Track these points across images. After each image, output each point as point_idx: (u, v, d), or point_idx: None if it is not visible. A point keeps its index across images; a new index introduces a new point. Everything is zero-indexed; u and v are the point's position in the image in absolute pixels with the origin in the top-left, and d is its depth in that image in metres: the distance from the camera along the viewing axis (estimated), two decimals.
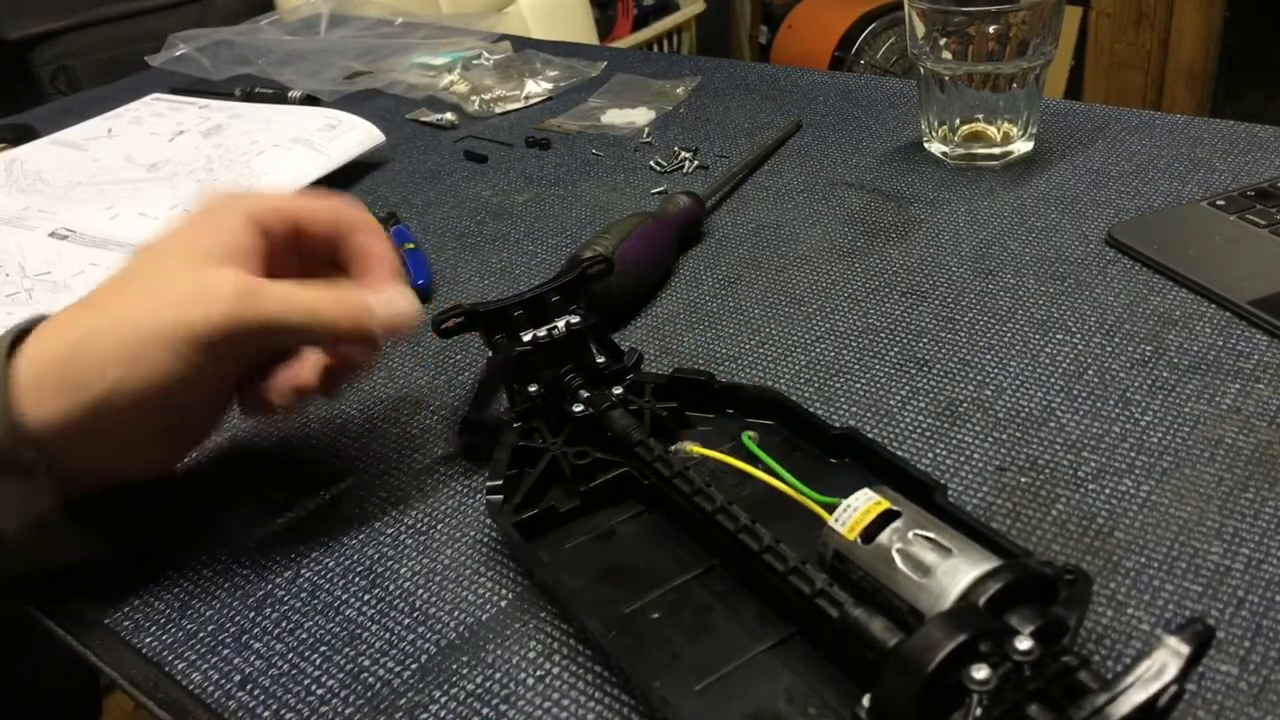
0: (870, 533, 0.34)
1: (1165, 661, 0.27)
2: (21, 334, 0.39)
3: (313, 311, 0.40)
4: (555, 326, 0.48)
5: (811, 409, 0.45)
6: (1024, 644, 0.29)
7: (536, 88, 0.93)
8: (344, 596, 0.41)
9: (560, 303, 0.49)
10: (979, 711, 0.28)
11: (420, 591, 0.41)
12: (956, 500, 0.41)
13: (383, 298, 0.42)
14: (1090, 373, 0.49)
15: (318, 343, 0.43)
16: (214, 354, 0.38)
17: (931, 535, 0.33)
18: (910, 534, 0.34)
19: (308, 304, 0.40)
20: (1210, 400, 0.46)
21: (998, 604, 0.31)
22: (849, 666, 0.34)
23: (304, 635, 0.40)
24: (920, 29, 0.67)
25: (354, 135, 0.80)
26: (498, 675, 0.37)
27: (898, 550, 0.33)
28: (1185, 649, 0.27)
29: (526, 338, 0.47)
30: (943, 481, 0.42)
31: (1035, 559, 0.34)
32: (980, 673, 0.28)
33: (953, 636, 0.29)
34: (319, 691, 0.37)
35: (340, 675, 0.38)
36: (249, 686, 0.38)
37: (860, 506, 0.35)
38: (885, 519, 0.34)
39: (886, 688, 0.29)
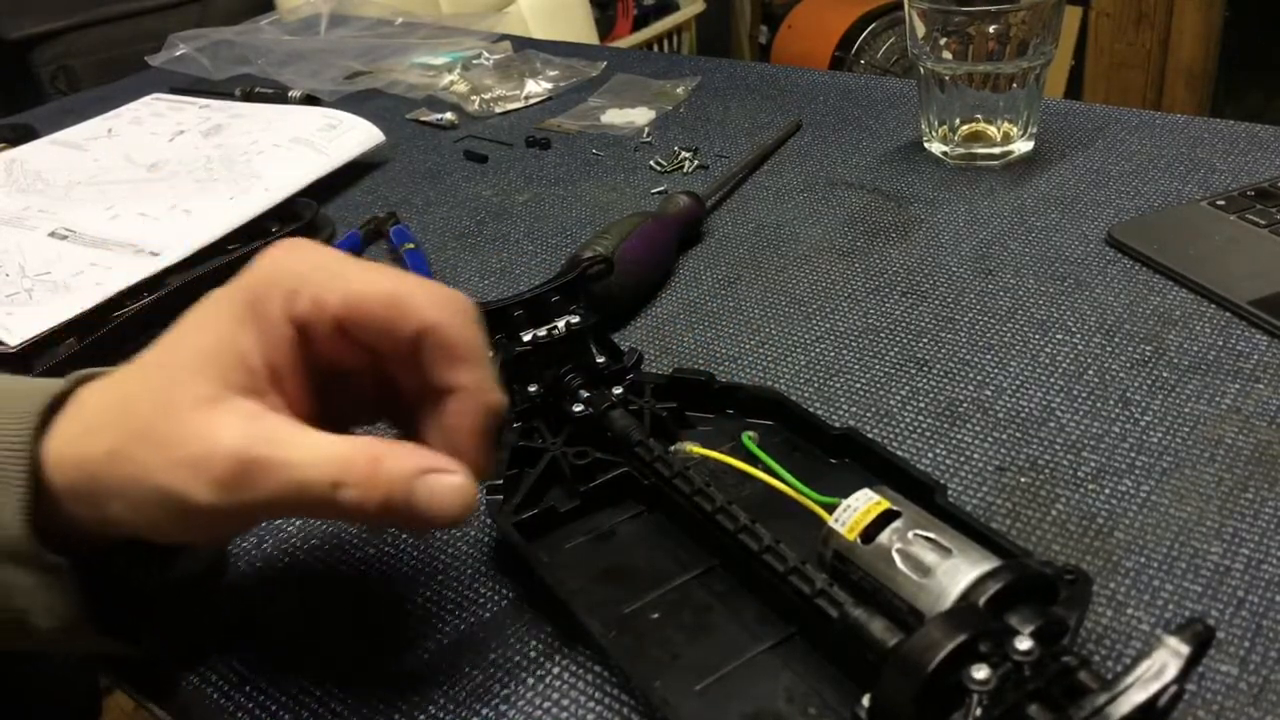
0: (870, 533, 0.34)
1: (1165, 661, 0.27)
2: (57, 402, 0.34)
3: (330, 494, 0.31)
4: (555, 326, 0.48)
5: (811, 409, 0.45)
6: (1024, 644, 0.29)
7: (536, 88, 0.93)
8: (344, 596, 0.41)
9: (560, 303, 0.49)
10: (979, 711, 0.28)
11: (420, 591, 0.41)
12: (956, 500, 0.41)
13: (434, 486, 0.32)
14: (1090, 373, 0.49)
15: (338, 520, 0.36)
16: (212, 522, 0.32)
17: (931, 535, 0.33)
18: (910, 534, 0.34)
19: (328, 477, 0.31)
20: (1210, 400, 0.46)
21: (998, 604, 0.31)
22: (849, 666, 0.34)
23: (303, 635, 0.40)
24: (920, 29, 0.67)
25: (354, 135, 0.80)
26: (498, 675, 0.37)
27: (898, 550, 0.33)
28: (1185, 649, 0.27)
29: (526, 338, 0.47)
30: (943, 481, 0.42)
31: (1035, 559, 0.34)
32: (980, 673, 0.28)
33: (953, 636, 0.29)
34: (317, 693, 0.37)
35: (340, 675, 0.38)
36: (248, 687, 0.38)
37: (860, 506, 0.35)
38: (885, 519, 0.34)
39: (886, 688, 0.29)
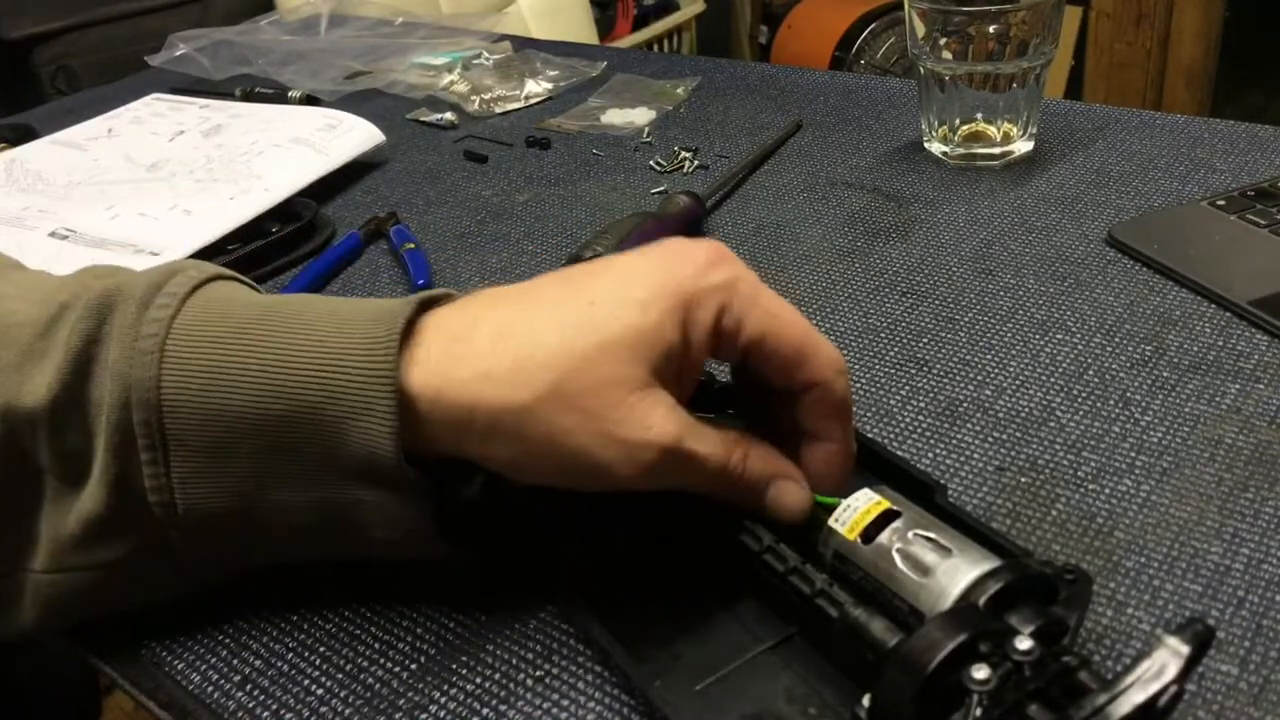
0: (870, 533, 0.34)
1: (1165, 661, 0.27)
2: (421, 309, 0.36)
3: (710, 483, 0.36)
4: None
5: None
6: (1024, 644, 0.29)
7: (536, 88, 0.93)
8: (343, 596, 0.41)
9: None
10: (979, 712, 0.28)
11: (420, 590, 0.41)
12: (956, 500, 0.41)
13: (782, 491, 0.37)
14: (1090, 373, 0.49)
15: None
16: (608, 486, 0.35)
17: (931, 535, 0.33)
18: (910, 534, 0.34)
19: (721, 469, 0.35)
20: (1210, 400, 0.46)
21: (998, 604, 0.31)
22: (849, 666, 0.34)
23: (303, 635, 0.40)
24: (920, 29, 0.67)
25: (354, 135, 0.80)
26: (497, 675, 0.37)
27: (898, 550, 0.33)
28: (1185, 649, 0.27)
29: None
30: (943, 481, 0.42)
31: (1035, 559, 0.34)
32: (980, 673, 0.28)
33: (953, 636, 0.29)
34: (318, 692, 0.37)
35: (340, 675, 0.38)
36: (249, 687, 0.38)
37: (860, 506, 0.35)
38: (885, 519, 0.34)
39: (886, 688, 0.29)
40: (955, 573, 0.32)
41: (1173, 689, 0.27)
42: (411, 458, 0.34)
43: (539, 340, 0.34)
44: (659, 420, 0.34)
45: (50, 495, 0.36)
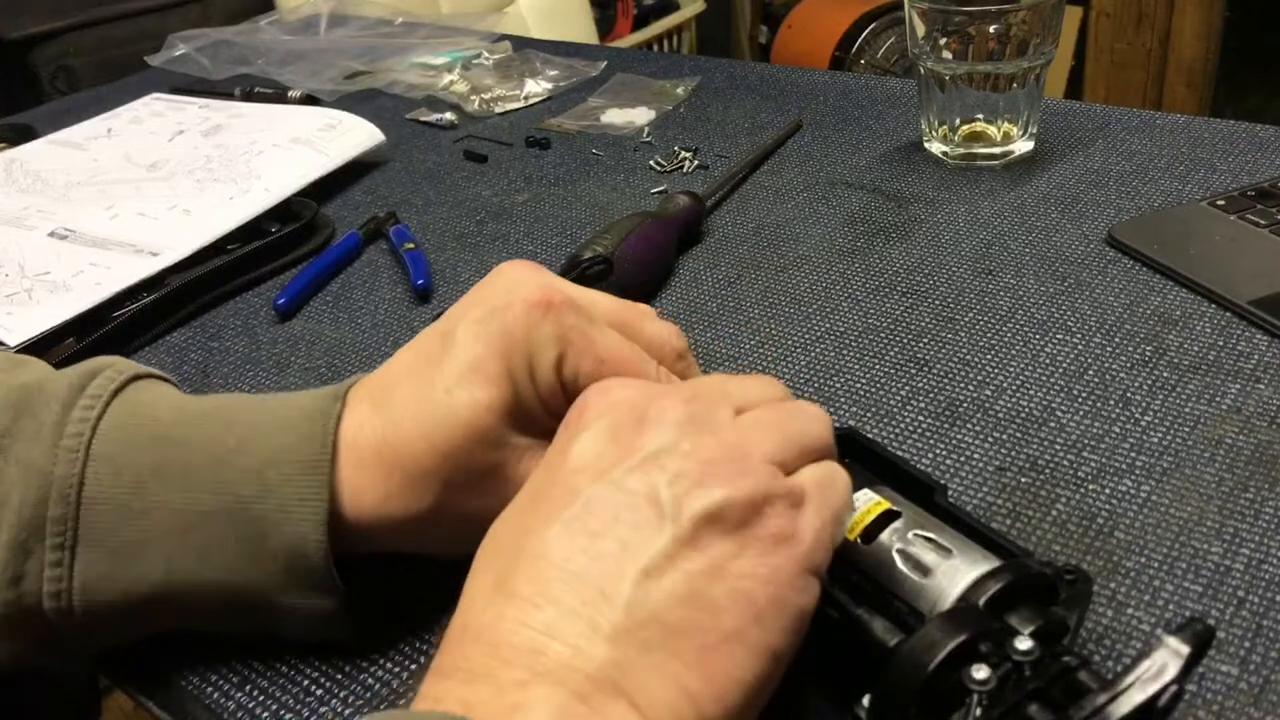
0: (870, 533, 0.34)
1: (1165, 661, 0.27)
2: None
3: None
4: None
5: None
6: (1024, 644, 0.29)
7: (536, 87, 0.93)
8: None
9: None
10: (979, 712, 0.28)
11: (421, 590, 0.41)
12: (956, 500, 0.41)
13: None
14: (1090, 373, 0.49)
15: None
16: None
17: (931, 535, 0.33)
18: (910, 534, 0.34)
19: None
20: (1210, 400, 0.46)
21: (998, 604, 0.31)
22: (849, 666, 0.34)
23: None
24: (920, 29, 0.67)
25: (354, 135, 0.80)
26: None
27: (898, 550, 0.33)
28: (1185, 649, 0.27)
29: None
30: (943, 481, 0.42)
31: (1035, 559, 0.34)
32: (980, 673, 0.28)
33: (952, 636, 0.29)
34: (318, 692, 0.37)
35: (339, 675, 0.38)
36: (248, 687, 0.38)
37: (860, 507, 0.35)
38: (885, 519, 0.34)
39: (887, 688, 0.29)
40: (955, 573, 0.32)
41: (1172, 689, 0.27)
42: (338, 551, 0.35)
43: (411, 447, 0.35)
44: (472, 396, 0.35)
45: None
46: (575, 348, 0.36)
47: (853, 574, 0.34)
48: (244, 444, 0.35)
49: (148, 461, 0.35)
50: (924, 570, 0.32)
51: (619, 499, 0.30)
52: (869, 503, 0.35)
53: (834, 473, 0.33)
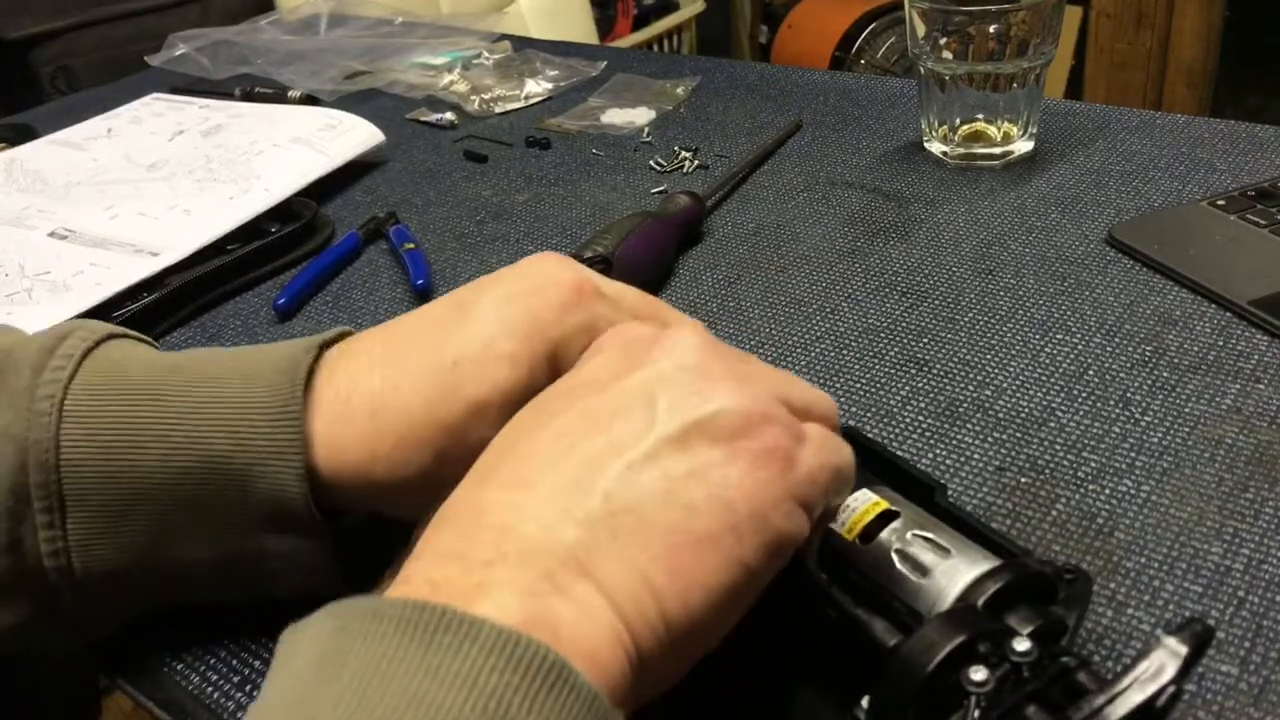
0: (869, 533, 0.34)
1: (1163, 662, 0.27)
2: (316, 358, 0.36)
3: None
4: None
5: None
6: (1023, 645, 0.29)
7: (536, 87, 0.93)
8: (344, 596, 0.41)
9: None
10: (977, 712, 0.28)
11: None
12: (956, 500, 0.41)
13: None
14: (1090, 373, 0.49)
15: None
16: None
17: (930, 535, 0.33)
18: (909, 534, 0.34)
19: None
20: (1210, 400, 0.46)
21: (997, 604, 0.31)
22: (848, 667, 0.34)
23: None
24: (920, 29, 0.67)
25: (354, 135, 0.80)
26: None
27: (897, 550, 0.33)
28: (1183, 649, 0.27)
29: None
30: (943, 481, 0.42)
31: (1035, 559, 0.34)
32: (979, 674, 0.28)
33: (951, 638, 0.29)
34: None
35: None
36: (248, 687, 0.38)
37: (859, 506, 0.35)
38: (884, 519, 0.34)
39: (885, 688, 0.29)
40: (954, 573, 0.32)
41: (1171, 689, 0.27)
42: (318, 504, 0.35)
43: (411, 413, 0.34)
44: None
45: None
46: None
47: (852, 574, 0.34)
48: (214, 397, 0.35)
49: (121, 420, 0.34)
50: (923, 570, 0.32)
51: (614, 404, 0.30)
52: (868, 503, 0.35)
53: (840, 440, 0.33)
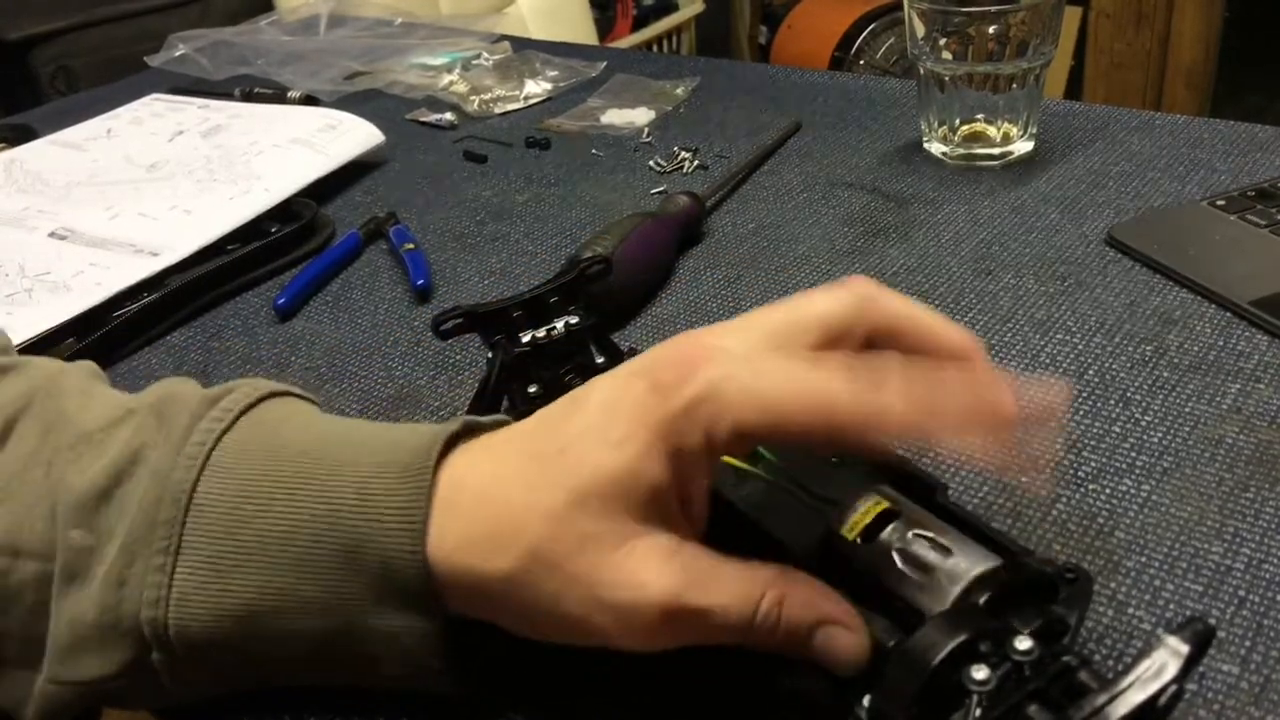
0: (870, 532, 0.34)
1: (1165, 661, 0.27)
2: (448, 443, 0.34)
3: (739, 637, 0.31)
4: (555, 327, 0.48)
5: None
6: (1024, 644, 0.29)
7: (536, 88, 0.93)
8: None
9: (560, 303, 0.49)
10: (979, 712, 0.28)
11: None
12: (957, 500, 0.41)
13: (831, 638, 0.32)
14: (1090, 373, 0.49)
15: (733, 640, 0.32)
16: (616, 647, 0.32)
17: (931, 535, 0.33)
18: (910, 534, 0.34)
19: (744, 622, 0.31)
20: (1211, 400, 0.46)
21: (998, 604, 0.31)
22: None
23: None
24: (920, 29, 0.67)
25: (354, 135, 0.80)
26: (497, 676, 0.37)
27: (897, 550, 0.33)
28: (1185, 648, 0.27)
29: (526, 338, 0.47)
30: (943, 481, 0.42)
31: (1035, 558, 0.34)
32: (980, 673, 0.28)
33: (952, 636, 0.29)
34: (321, 698, 0.37)
35: (341, 684, 0.38)
36: (249, 689, 0.38)
37: (860, 506, 0.35)
38: (885, 519, 0.34)
39: (886, 688, 0.29)
40: (955, 572, 0.32)
41: (1173, 688, 0.27)
42: None
43: (510, 499, 0.32)
44: (653, 575, 0.30)
45: (55, 592, 0.34)
46: (728, 400, 0.31)
47: (852, 573, 0.34)
48: (356, 457, 0.34)
49: (258, 476, 0.34)
50: (924, 569, 0.32)
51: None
52: (869, 502, 0.35)
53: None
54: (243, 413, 0.36)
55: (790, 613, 0.31)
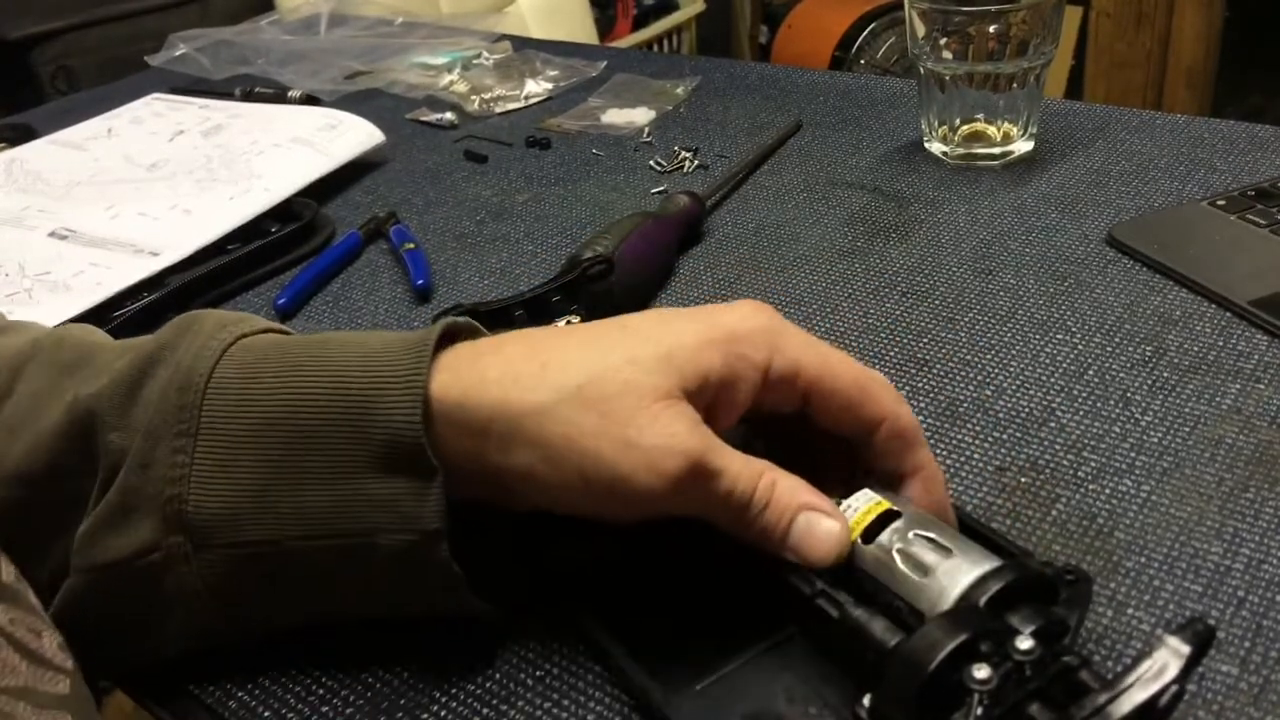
0: (870, 533, 0.34)
1: (1166, 661, 0.27)
2: (448, 335, 0.36)
3: (745, 510, 0.34)
4: (555, 326, 0.48)
5: None
6: (1025, 644, 0.29)
7: (536, 88, 0.93)
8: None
9: (560, 303, 0.49)
10: (979, 711, 0.28)
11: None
12: (956, 500, 0.41)
13: (813, 524, 0.34)
14: (1090, 373, 0.49)
15: (724, 528, 0.35)
16: (632, 506, 0.34)
17: (932, 535, 0.33)
18: (910, 534, 0.34)
19: (751, 493, 0.34)
20: (1211, 400, 0.46)
21: (998, 604, 0.31)
22: (849, 666, 0.34)
23: (304, 635, 0.40)
24: (920, 29, 0.67)
25: (354, 135, 0.80)
26: (498, 675, 0.37)
27: (898, 550, 0.33)
28: (1186, 649, 0.27)
29: None
30: None
31: (1035, 559, 0.34)
32: (981, 672, 0.28)
33: (953, 636, 0.29)
34: (319, 691, 0.37)
35: (341, 674, 0.38)
36: (249, 686, 0.38)
37: (860, 506, 0.35)
38: (885, 519, 0.34)
39: (887, 688, 0.29)
40: (955, 573, 0.32)
41: (1173, 689, 0.27)
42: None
43: (569, 354, 0.34)
44: (683, 431, 0.33)
45: (94, 495, 0.36)
46: (792, 341, 0.36)
47: (853, 573, 0.34)
48: (364, 340, 0.36)
49: (269, 363, 0.36)
50: (924, 570, 0.32)
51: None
52: (869, 502, 0.35)
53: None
54: (257, 332, 0.38)
55: (780, 494, 0.34)
